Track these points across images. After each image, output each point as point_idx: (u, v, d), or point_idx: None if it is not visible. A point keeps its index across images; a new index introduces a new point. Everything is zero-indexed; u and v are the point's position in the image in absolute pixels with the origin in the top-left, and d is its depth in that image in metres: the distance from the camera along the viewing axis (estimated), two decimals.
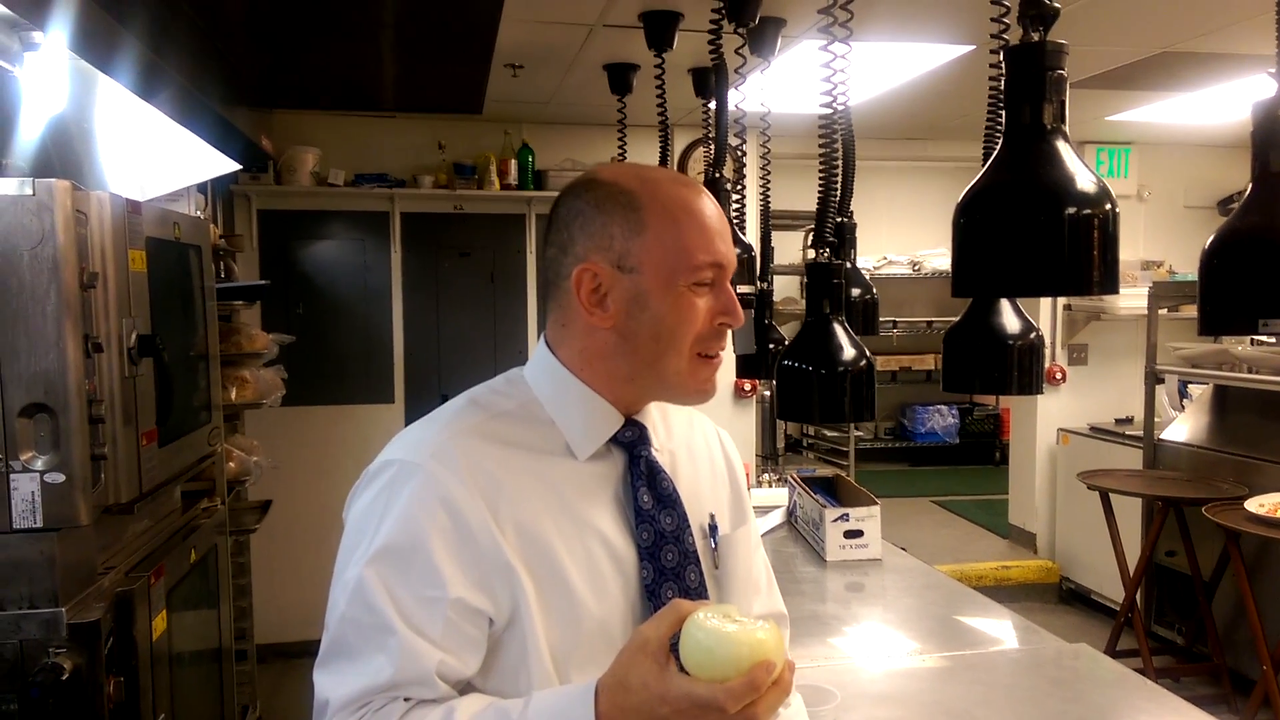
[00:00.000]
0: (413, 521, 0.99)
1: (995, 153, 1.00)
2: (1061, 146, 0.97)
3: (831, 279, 1.59)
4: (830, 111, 1.56)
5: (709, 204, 1.08)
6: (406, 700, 0.98)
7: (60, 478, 1.74)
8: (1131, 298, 4.96)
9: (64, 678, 1.70)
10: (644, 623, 0.92)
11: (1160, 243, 5.54)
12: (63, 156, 2.38)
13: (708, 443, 1.27)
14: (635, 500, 1.09)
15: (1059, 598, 5.35)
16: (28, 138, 2.25)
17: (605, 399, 1.10)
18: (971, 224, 0.98)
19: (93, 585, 1.88)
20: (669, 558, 1.09)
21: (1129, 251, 5.46)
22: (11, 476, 1.72)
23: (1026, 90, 0.97)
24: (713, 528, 1.18)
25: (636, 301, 1.05)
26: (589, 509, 1.07)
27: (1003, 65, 1.03)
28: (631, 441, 1.11)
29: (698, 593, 1.11)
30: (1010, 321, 1.48)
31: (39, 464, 1.73)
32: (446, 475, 1.01)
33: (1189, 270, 5.38)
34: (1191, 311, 4.82)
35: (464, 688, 1.02)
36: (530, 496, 1.04)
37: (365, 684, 0.98)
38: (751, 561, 1.25)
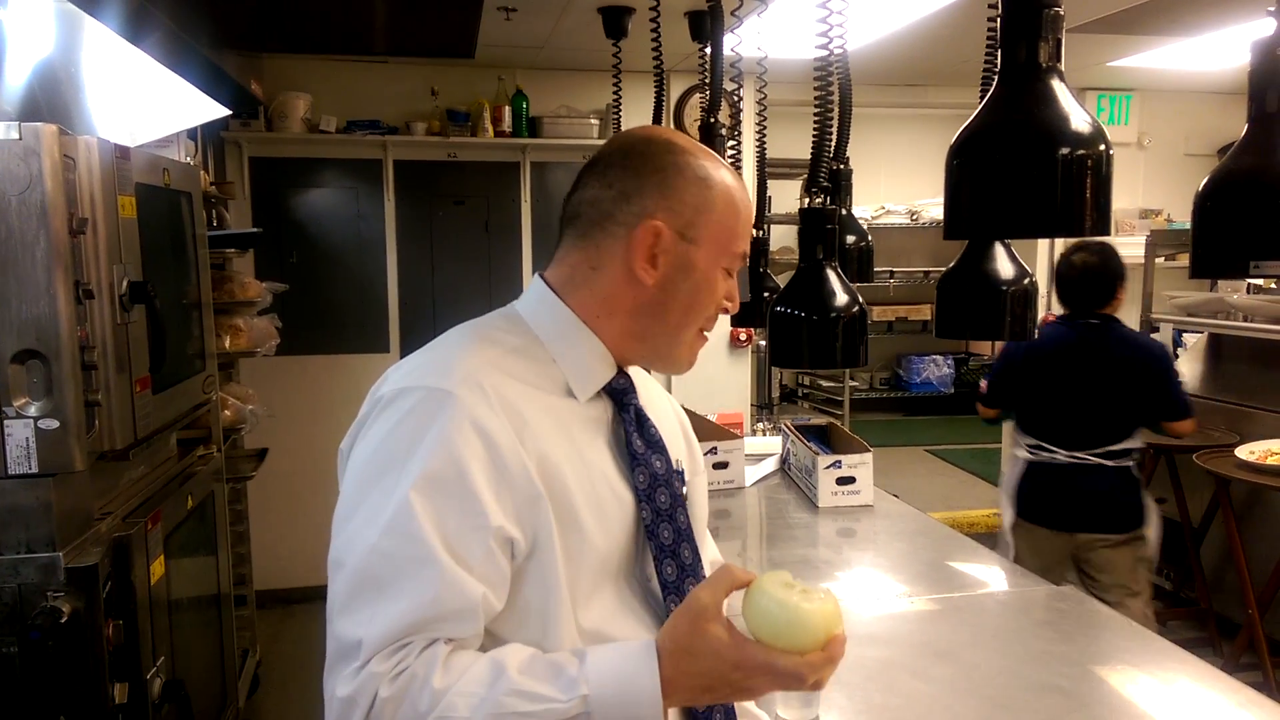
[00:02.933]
0: (452, 448, 0.96)
1: (990, 92, 0.98)
2: (1057, 86, 0.95)
3: (825, 224, 1.58)
4: (826, 53, 1.54)
5: (747, 197, 1.15)
6: (447, 642, 0.94)
7: (54, 424, 1.74)
8: (1129, 246, 4.93)
9: (63, 621, 1.72)
10: (697, 587, 0.93)
11: (1160, 191, 5.50)
12: (50, 101, 2.35)
13: (662, 399, 1.31)
14: (629, 445, 1.11)
15: None
16: (13, 82, 2.22)
17: (609, 348, 1.12)
18: (964, 164, 0.97)
19: (90, 530, 1.89)
20: (662, 500, 1.12)
21: (1128, 200, 5.43)
22: (5, 423, 1.72)
23: (1022, 28, 0.96)
24: (680, 473, 1.21)
25: (683, 269, 1.09)
26: (592, 449, 1.09)
27: (999, 4, 1.02)
28: (623, 389, 1.14)
29: (686, 533, 1.14)
30: (1004, 267, 1.48)
31: (32, 410, 1.73)
32: (478, 403, 0.99)
33: (1187, 219, 5.34)
34: (1188, 260, 4.80)
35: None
36: (547, 431, 1.04)
37: (406, 619, 0.92)
38: (705, 509, 1.32)
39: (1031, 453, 3.21)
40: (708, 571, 1.23)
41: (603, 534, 1.06)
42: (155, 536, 2.06)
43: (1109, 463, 3.10)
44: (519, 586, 1.00)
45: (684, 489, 1.20)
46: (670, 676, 0.90)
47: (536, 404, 1.05)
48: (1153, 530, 3.18)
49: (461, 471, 0.96)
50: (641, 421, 1.14)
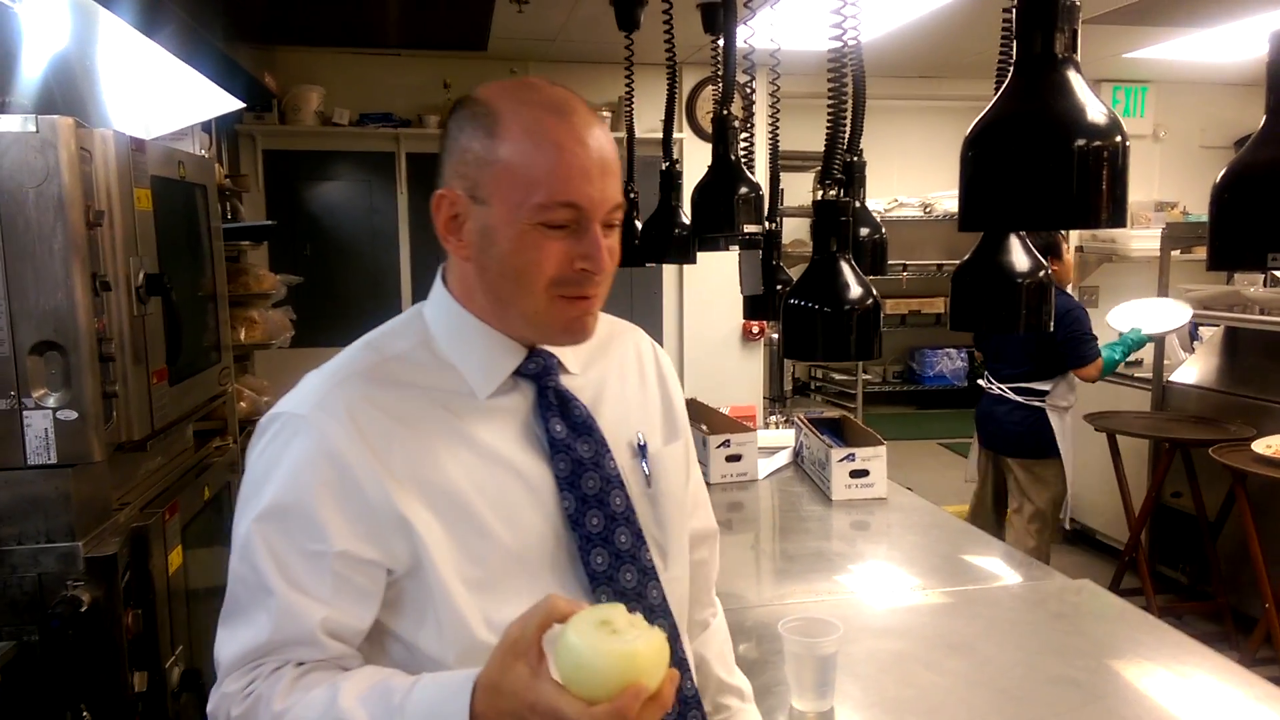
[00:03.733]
0: (297, 477, 0.97)
1: (1005, 84, 0.98)
2: (1072, 77, 0.95)
3: (839, 216, 1.57)
4: (840, 38, 1.53)
5: (579, 135, 0.98)
6: (299, 665, 0.96)
7: (72, 415, 1.76)
8: (1144, 239, 4.93)
9: (82, 610, 1.74)
10: (513, 620, 0.87)
11: (1175, 184, 5.47)
12: (65, 94, 2.37)
13: (640, 358, 1.23)
14: (547, 430, 1.06)
15: (1064, 538, 5.37)
16: (29, 75, 2.24)
17: (501, 333, 1.06)
18: (979, 156, 0.97)
19: (108, 521, 1.91)
20: (590, 484, 1.06)
21: (1143, 192, 5.40)
22: (24, 413, 1.74)
23: (1037, 18, 0.95)
24: (642, 446, 1.15)
25: (485, 235, 1.00)
26: (496, 442, 1.04)
27: None
28: (537, 373, 1.08)
29: (625, 516, 1.08)
30: (1019, 259, 1.47)
31: (51, 401, 1.75)
32: (332, 427, 0.97)
33: (1203, 212, 5.31)
34: (1203, 252, 4.77)
35: (373, 633, 1.01)
36: (430, 439, 1.01)
37: (248, 644, 0.97)
38: (685, 478, 1.23)
39: (986, 381, 4.05)
40: (674, 548, 1.16)
41: (511, 531, 1.02)
42: (173, 527, 2.07)
43: (1018, 398, 3.88)
44: (408, 598, 1.00)
45: (643, 462, 1.14)
46: (481, 711, 0.86)
47: (420, 411, 1.02)
48: (1067, 468, 3.87)
49: (304, 501, 0.96)
50: (565, 403, 1.08)
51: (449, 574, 0.98)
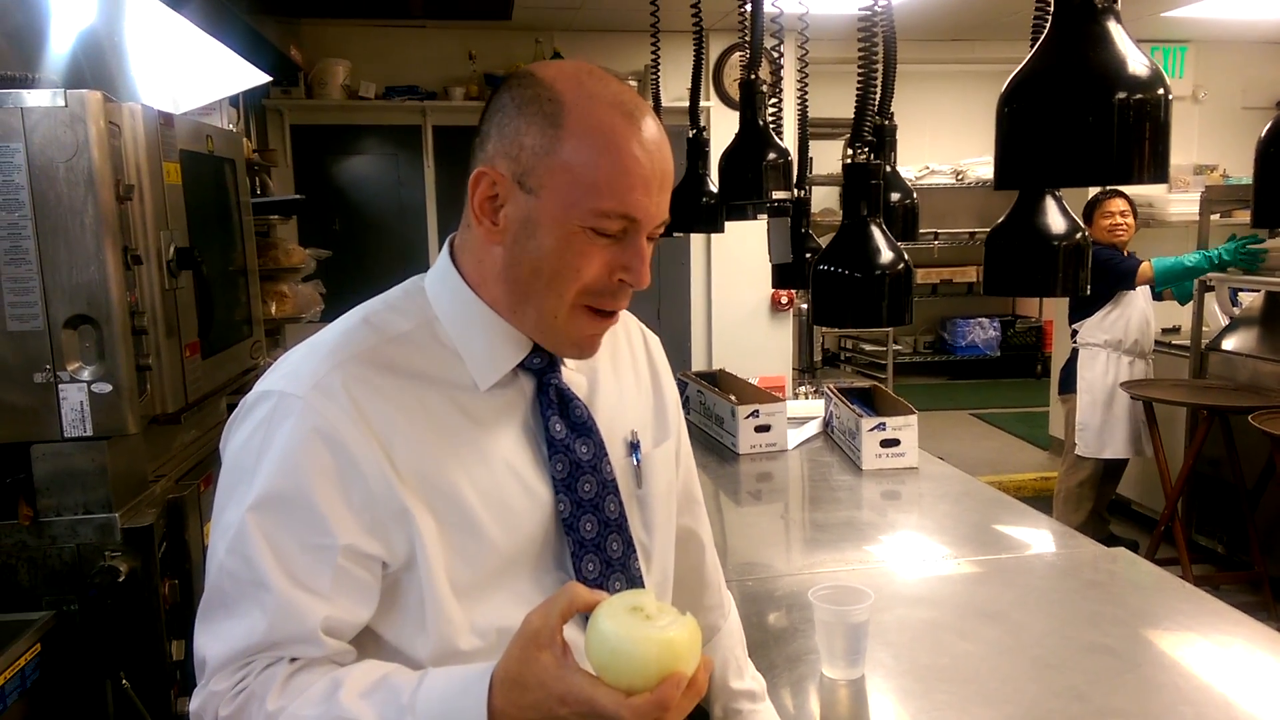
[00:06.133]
0: (294, 463, 0.90)
1: (1043, 36, 0.95)
2: (1113, 27, 0.92)
3: (870, 180, 1.54)
4: (871, 1, 1.50)
5: (646, 144, 0.93)
6: (293, 661, 0.91)
7: (107, 388, 1.78)
8: (1182, 203, 4.83)
9: (120, 580, 1.76)
10: (532, 610, 0.84)
11: (1215, 146, 5.34)
12: (94, 69, 2.38)
13: (632, 350, 1.18)
14: (547, 430, 1.01)
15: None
16: (58, 51, 2.24)
17: (509, 323, 1.00)
18: (1017, 111, 0.94)
19: (144, 492, 1.93)
20: (586, 488, 1.02)
21: (1182, 155, 5.28)
22: (60, 386, 1.76)
23: None
24: (635, 444, 1.10)
25: (526, 226, 0.93)
26: (496, 441, 0.99)
27: None
28: (540, 369, 1.03)
29: (617, 524, 1.04)
30: (1056, 221, 1.43)
31: (86, 374, 1.77)
32: (331, 409, 0.91)
33: (1244, 174, 5.20)
34: (1244, 216, 4.66)
35: (362, 633, 0.96)
36: (431, 432, 0.95)
37: (241, 643, 0.91)
38: (674, 480, 1.19)
39: None
40: (658, 553, 1.13)
41: (506, 533, 0.97)
42: (208, 498, 2.10)
43: (1073, 340, 4.31)
44: (398, 594, 0.95)
45: (635, 460, 1.10)
46: (500, 708, 0.82)
47: (421, 401, 0.96)
48: (1080, 402, 4.24)
49: (304, 489, 0.90)
50: (565, 402, 1.03)
51: (439, 575, 0.94)
